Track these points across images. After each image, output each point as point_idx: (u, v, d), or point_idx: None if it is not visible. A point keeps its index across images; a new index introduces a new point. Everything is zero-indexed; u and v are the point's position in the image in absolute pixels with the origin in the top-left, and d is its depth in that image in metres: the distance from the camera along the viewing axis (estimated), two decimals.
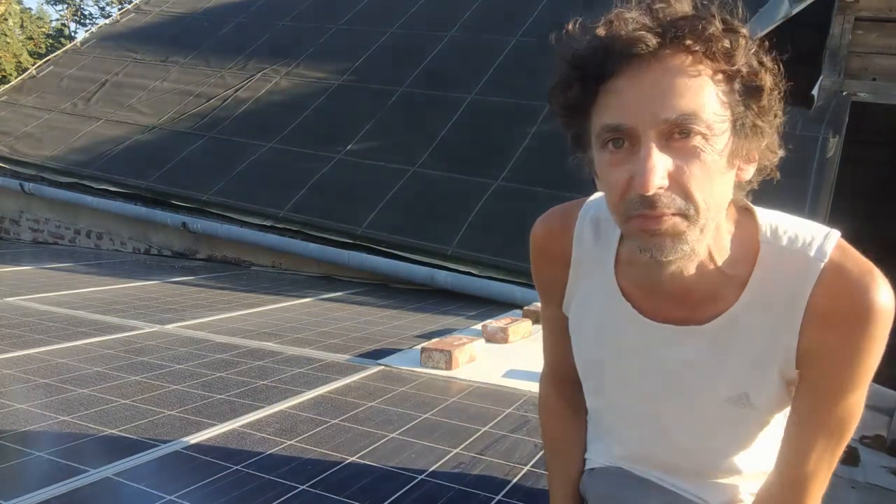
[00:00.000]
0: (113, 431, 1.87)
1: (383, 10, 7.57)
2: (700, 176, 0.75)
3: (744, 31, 0.76)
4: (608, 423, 1.08)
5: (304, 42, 7.42)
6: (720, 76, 0.75)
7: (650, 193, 0.74)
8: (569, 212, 1.02)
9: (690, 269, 0.84)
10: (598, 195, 1.03)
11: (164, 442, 1.81)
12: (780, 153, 0.84)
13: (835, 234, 0.84)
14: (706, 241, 0.81)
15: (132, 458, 1.69)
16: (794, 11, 4.76)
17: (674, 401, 0.95)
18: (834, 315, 0.81)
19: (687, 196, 0.75)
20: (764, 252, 0.85)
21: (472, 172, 5.30)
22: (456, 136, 5.73)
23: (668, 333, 0.91)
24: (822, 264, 0.82)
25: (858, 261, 0.82)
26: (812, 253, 0.83)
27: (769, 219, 0.88)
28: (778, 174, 0.85)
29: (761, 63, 0.77)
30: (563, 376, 1.13)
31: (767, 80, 0.76)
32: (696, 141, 0.74)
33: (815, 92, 4.81)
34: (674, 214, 0.76)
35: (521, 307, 3.86)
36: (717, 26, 0.74)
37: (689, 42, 0.73)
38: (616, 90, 0.75)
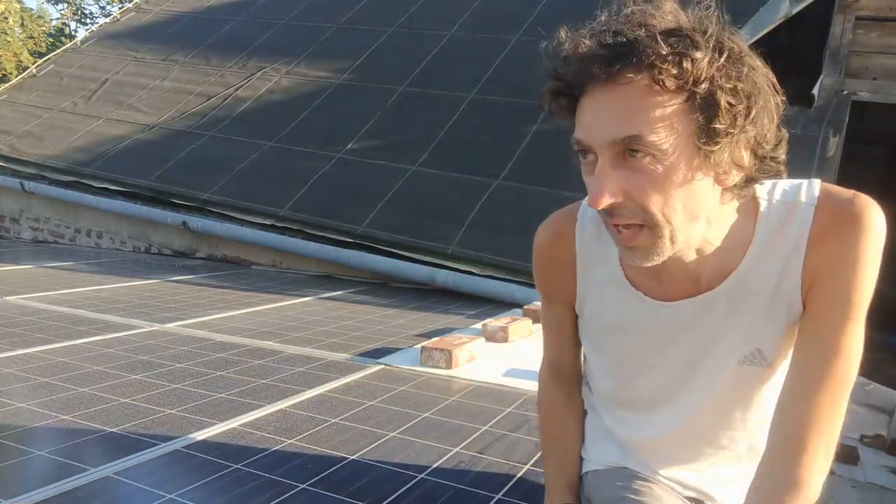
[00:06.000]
0: (113, 430, 1.88)
1: (383, 9, 7.57)
2: (651, 191, 0.79)
3: (696, 53, 0.74)
4: (620, 414, 1.08)
5: (304, 41, 7.42)
6: (673, 97, 0.76)
7: (599, 209, 0.81)
8: (568, 215, 1.05)
9: (689, 257, 0.89)
10: None
11: (164, 441, 1.81)
12: (780, 155, 0.85)
13: (817, 180, 0.91)
14: (696, 235, 0.85)
15: (132, 457, 1.69)
16: (794, 11, 4.76)
17: (693, 376, 0.97)
18: (830, 230, 0.85)
19: (643, 209, 0.80)
20: (763, 209, 0.90)
21: (472, 172, 5.30)
22: (456, 135, 5.73)
23: (684, 309, 0.94)
24: (814, 204, 0.87)
25: (843, 189, 0.88)
26: (804, 197, 0.88)
27: (765, 185, 0.92)
28: (784, 175, 0.88)
29: (715, 80, 0.75)
30: (562, 373, 1.17)
31: (722, 98, 0.75)
32: (646, 160, 0.78)
33: (815, 91, 4.81)
34: (635, 225, 0.81)
35: (521, 306, 3.87)
36: (663, 50, 0.74)
37: (635, 69, 0.75)
38: (582, 108, 0.81)
